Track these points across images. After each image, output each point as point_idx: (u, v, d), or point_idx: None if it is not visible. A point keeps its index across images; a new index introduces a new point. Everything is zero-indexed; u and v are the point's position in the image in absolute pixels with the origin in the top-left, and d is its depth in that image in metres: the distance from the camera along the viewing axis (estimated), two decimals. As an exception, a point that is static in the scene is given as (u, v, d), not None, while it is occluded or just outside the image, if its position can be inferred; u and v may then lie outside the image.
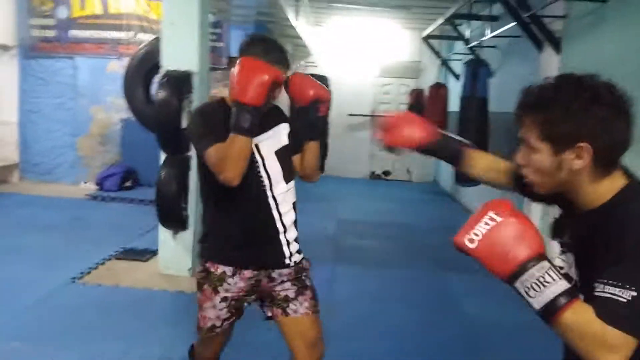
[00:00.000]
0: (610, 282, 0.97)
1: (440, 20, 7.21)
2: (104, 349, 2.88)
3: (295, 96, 1.85)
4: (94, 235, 5.07)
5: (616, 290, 0.96)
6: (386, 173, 10.30)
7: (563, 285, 0.98)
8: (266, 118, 1.84)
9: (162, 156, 3.94)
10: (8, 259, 4.24)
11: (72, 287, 3.73)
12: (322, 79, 8.25)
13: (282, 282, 1.89)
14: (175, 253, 4.09)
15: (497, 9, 5.96)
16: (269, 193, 1.85)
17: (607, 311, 0.96)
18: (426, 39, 8.67)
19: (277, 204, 1.86)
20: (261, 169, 1.84)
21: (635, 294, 0.95)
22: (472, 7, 6.34)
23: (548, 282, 0.97)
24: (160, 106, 3.68)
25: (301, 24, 7.39)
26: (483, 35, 6.41)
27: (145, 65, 3.91)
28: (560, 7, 4.61)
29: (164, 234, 4.09)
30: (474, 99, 5.77)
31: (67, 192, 6.96)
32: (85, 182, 7.34)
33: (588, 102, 1.05)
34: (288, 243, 1.89)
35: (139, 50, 4.14)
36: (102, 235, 5.06)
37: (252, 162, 1.78)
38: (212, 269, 1.86)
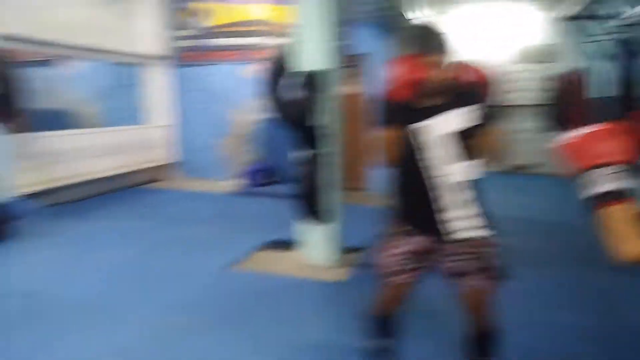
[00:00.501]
0: None
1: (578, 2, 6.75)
2: (263, 331, 3.16)
3: (455, 81, 1.93)
4: (242, 226, 5.56)
5: None
6: (523, 167, 9.55)
7: (625, 185, 1.10)
8: (439, 104, 1.94)
9: (295, 153, 4.22)
10: (172, 248, 4.83)
11: (229, 274, 4.15)
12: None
13: (448, 255, 2.02)
14: (318, 245, 4.34)
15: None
16: (428, 175, 1.97)
17: None
18: (563, 20, 8.15)
19: (435, 186, 1.97)
20: (422, 153, 1.96)
21: None
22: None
23: (614, 178, 1.10)
24: (298, 105, 3.94)
25: (424, 15, 7.34)
26: (619, 14, 5.90)
27: (282, 67, 4.19)
28: None
29: (307, 227, 4.36)
30: (625, 83, 5.36)
31: (215, 187, 7.66)
32: (231, 179, 7.98)
33: None
34: (447, 221, 1.97)
35: (275, 53, 4.45)
36: (249, 227, 5.51)
37: (413, 147, 1.96)
38: (398, 227, 2.08)
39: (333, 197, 4.25)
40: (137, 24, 7.95)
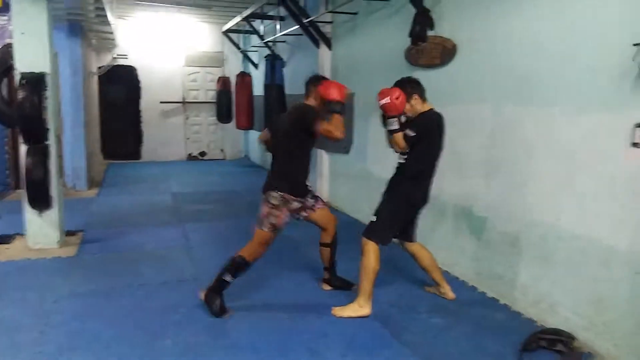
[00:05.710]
0: (408, 129, 3.29)
1: (238, 18, 8.53)
2: (25, 297, 3.62)
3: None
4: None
5: (408, 131, 3.28)
6: (202, 154, 11.34)
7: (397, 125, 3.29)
8: None
9: (22, 147, 4.56)
10: None
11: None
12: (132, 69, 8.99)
13: (310, 199, 3.61)
14: (43, 229, 4.75)
15: (284, 10, 7.47)
16: (308, 162, 3.54)
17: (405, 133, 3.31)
18: (226, 32, 9.93)
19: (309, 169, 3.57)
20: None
21: (413, 134, 3.27)
22: (263, 8, 7.77)
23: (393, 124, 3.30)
24: (22, 103, 4.31)
25: (110, 19, 7.95)
26: (274, 30, 7.92)
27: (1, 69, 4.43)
28: (328, 15, 6.30)
29: (30, 215, 4.70)
30: (274, 86, 7.28)
31: None
32: None
33: (412, 83, 3.38)
34: (310, 185, 3.65)
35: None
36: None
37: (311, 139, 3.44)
38: (286, 197, 3.38)
39: (55, 185, 4.72)
40: None
